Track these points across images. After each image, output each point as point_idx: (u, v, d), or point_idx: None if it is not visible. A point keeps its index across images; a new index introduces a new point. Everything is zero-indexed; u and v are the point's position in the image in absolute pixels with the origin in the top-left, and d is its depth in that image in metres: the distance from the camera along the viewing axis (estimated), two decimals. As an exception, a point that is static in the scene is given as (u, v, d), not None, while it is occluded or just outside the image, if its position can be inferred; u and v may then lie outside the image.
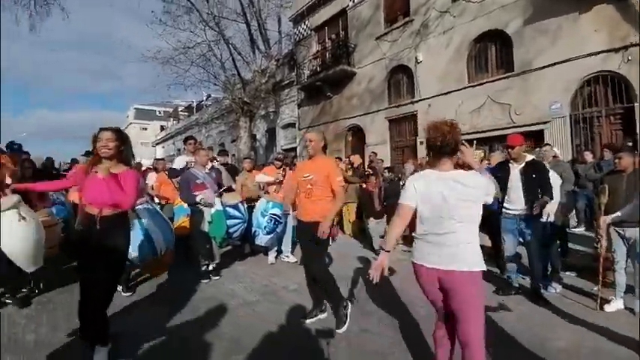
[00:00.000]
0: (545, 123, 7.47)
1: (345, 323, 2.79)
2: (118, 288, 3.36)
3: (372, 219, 6.07)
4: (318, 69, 13.01)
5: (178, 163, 5.49)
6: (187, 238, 4.37)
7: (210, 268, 4.23)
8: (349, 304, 2.92)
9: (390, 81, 10.87)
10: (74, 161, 5.76)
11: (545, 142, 6.11)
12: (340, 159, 8.69)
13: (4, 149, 4.48)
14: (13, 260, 2.87)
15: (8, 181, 3.30)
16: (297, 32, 14.21)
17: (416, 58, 9.80)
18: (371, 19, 11.27)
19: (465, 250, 1.75)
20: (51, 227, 3.51)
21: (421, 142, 9.40)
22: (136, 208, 3.58)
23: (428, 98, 9.58)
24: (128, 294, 3.61)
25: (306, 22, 13.75)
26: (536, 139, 7.31)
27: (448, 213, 1.74)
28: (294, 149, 15.10)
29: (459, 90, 8.95)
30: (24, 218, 2.79)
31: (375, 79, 11.14)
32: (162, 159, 6.37)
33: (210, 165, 5.07)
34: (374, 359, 2.37)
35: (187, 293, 3.64)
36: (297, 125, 14.87)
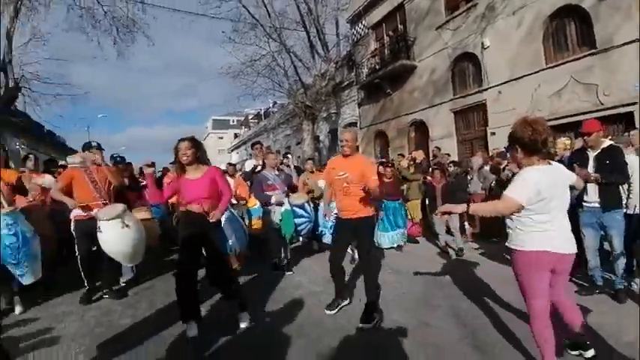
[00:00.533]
0: (634, 104, 6.49)
1: (371, 322, 2.83)
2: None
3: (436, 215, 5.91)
4: (377, 67, 12.96)
5: (248, 166, 6.06)
6: (261, 236, 4.83)
7: (282, 262, 4.58)
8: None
9: (453, 70, 10.37)
10: (166, 169, 6.66)
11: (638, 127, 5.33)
12: (403, 155, 8.58)
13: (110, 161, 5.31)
14: (114, 258, 3.47)
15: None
16: (355, 32, 14.30)
17: (482, 43, 9.21)
18: (430, 10, 10.90)
19: (571, 234, 1.99)
20: (151, 222, 4.18)
21: (492, 133, 8.81)
22: None
23: (497, 85, 8.93)
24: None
25: (363, 22, 13.78)
26: (626, 122, 6.39)
27: (561, 203, 1.94)
28: (357, 148, 15.21)
29: (534, 73, 8.18)
30: (127, 226, 3.31)
31: (438, 70, 10.73)
32: (233, 164, 7.01)
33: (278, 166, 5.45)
34: (434, 352, 2.42)
35: (261, 285, 4.02)
36: (358, 124, 14.96)
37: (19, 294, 3.47)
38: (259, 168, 5.14)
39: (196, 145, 2.84)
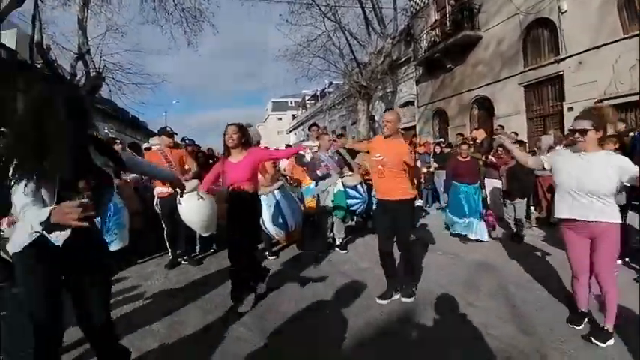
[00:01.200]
0: None
1: (412, 295, 2.98)
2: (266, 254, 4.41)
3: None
4: (437, 40, 12.21)
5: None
6: (315, 215, 5.07)
7: (338, 241, 4.74)
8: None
9: (525, 40, 9.38)
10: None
11: None
12: (462, 135, 8.13)
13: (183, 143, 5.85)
14: (192, 228, 3.95)
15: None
16: (414, 4, 13.54)
17: (559, 7, 8.17)
18: (499, -29, 9.88)
19: None
20: (221, 203, 4.65)
21: (570, 109, 7.91)
22: (273, 192, 4.35)
23: (577, 54, 7.90)
24: (272, 258, 4.48)
25: (424, -9, 12.97)
26: None
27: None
28: (412, 128, 14.73)
29: (614, 42, 7.14)
30: (202, 198, 3.77)
31: (506, 40, 9.80)
32: (288, 145, 7.31)
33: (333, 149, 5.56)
34: (475, 331, 2.44)
35: (315, 260, 4.27)
36: (415, 103, 14.40)
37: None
38: (315, 149, 5.30)
39: (242, 130, 3.02)
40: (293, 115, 40.58)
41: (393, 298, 2.99)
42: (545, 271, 3.53)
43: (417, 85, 14.25)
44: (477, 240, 4.83)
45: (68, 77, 11.80)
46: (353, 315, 2.75)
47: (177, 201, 3.68)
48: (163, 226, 4.24)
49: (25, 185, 1.35)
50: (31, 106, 1.46)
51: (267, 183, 4.27)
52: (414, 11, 13.48)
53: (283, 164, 6.43)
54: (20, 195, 1.36)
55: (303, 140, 7.24)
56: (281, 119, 47.07)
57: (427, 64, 13.07)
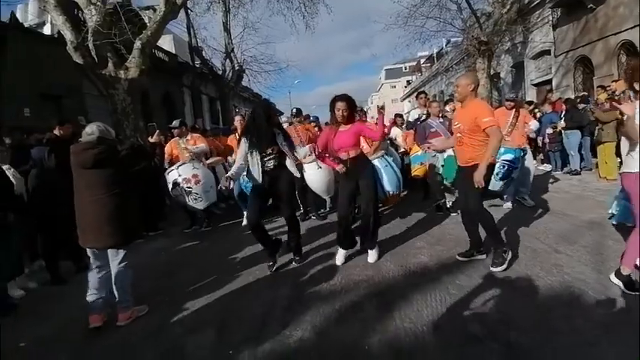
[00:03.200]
0: None
1: (501, 264, 2.81)
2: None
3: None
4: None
5: (412, 116, 6.54)
6: (426, 180, 5.22)
7: (448, 204, 4.85)
8: (509, 250, 2.92)
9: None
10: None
11: None
12: (604, 88, 7.02)
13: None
14: (315, 191, 4.80)
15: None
16: None
17: None
18: None
19: None
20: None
21: None
22: (373, 159, 4.80)
23: None
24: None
25: None
26: None
27: None
28: (549, 82, 12.81)
29: None
30: (320, 167, 4.69)
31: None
32: (400, 115, 7.57)
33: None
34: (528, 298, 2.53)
35: (422, 224, 4.42)
36: (552, 51, 12.40)
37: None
38: (424, 117, 5.58)
39: (350, 102, 3.25)
40: (408, 81, 39.06)
41: (472, 258, 3.08)
42: None
43: (553, 30, 12.18)
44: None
45: (220, 72, 14.68)
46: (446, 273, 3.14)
47: (303, 169, 4.71)
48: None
49: (251, 154, 3.11)
50: (251, 114, 3.31)
51: (371, 151, 4.58)
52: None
53: (394, 134, 6.73)
54: (250, 158, 3.16)
55: (415, 108, 7.38)
56: (395, 87, 45.89)
57: (566, 5, 11.04)
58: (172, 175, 4.74)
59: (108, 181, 2.51)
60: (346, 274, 3.09)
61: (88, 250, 2.59)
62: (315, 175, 4.68)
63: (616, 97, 5.78)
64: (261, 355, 2.06)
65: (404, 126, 6.56)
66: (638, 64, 2.32)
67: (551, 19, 12.19)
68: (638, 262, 2.39)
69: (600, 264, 2.80)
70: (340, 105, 3.18)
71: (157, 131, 5.78)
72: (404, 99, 36.76)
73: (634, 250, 2.33)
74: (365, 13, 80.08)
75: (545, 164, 7.84)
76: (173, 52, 14.89)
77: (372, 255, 3.35)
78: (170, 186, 4.77)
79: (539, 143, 7.65)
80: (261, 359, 2.03)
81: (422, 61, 29.77)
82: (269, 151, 3.16)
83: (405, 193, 5.47)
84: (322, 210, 5.46)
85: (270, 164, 3.19)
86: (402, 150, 5.95)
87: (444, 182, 4.83)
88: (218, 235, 4.99)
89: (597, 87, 7.76)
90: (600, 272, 2.64)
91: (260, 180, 3.16)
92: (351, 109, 3.24)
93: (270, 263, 3.35)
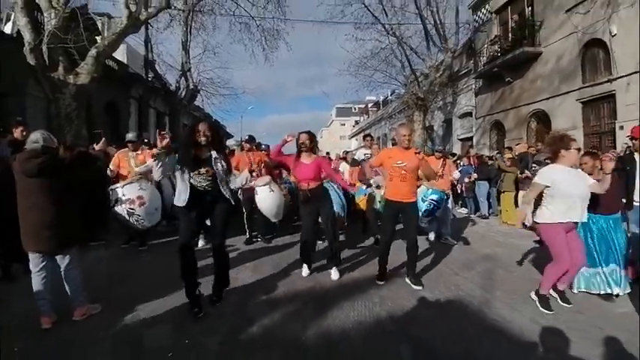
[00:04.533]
0: None
1: (420, 284, 3.47)
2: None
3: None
4: (498, 54, 12.49)
5: (359, 154, 7.33)
6: (364, 214, 5.81)
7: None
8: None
9: (584, 57, 9.46)
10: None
11: None
12: (510, 149, 8.57)
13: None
14: (264, 214, 5.11)
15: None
16: (477, 18, 13.92)
17: (610, 31, 8.28)
18: (561, -10, 10.04)
19: None
20: (286, 196, 5.92)
21: (621, 127, 7.98)
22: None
23: (627, 75, 7.98)
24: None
25: (487, 6, 13.32)
26: None
27: None
28: (470, 139, 14.98)
29: None
30: (272, 191, 5.09)
31: (565, 56, 9.92)
32: (347, 152, 8.43)
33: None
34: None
35: (359, 254, 4.82)
36: (473, 114, 14.67)
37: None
38: (368, 156, 6.38)
39: (312, 137, 3.71)
40: (356, 121, 41.83)
41: (406, 279, 3.59)
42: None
43: (475, 97, 14.53)
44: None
45: (173, 89, 14.68)
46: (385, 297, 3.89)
47: (255, 192, 5.10)
48: (243, 210, 5.36)
49: (182, 171, 2.82)
50: (186, 130, 3.06)
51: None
52: (476, 25, 13.85)
53: (342, 168, 7.34)
54: (179, 175, 2.85)
55: (359, 148, 8.27)
56: (344, 125, 48.69)
57: (487, 77, 13.37)
58: (116, 194, 4.48)
59: (49, 189, 2.59)
60: (291, 285, 3.55)
61: (29, 254, 2.65)
62: (267, 199, 5.01)
63: (515, 158, 7.22)
64: (216, 346, 2.39)
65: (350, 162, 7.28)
66: (560, 136, 3.03)
67: (474, 87, 14.53)
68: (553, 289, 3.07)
69: (488, 285, 3.62)
70: (303, 136, 3.68)
71: (103, 139, 5.45)
72: (351, 137, 39.08)
73: (548, 278, 3.01)
74: (321, 57, 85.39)
75: (462, 207, 9.17)
76: (125, 61, 14.59)
77: (334, 273, 3.73)
78: (112, 202, 4.52)
79: (459, 190, 8.99)
80: (216, 350, 2.36)
81: (370, 105, 32.39)
82: (202, 170, 2.88)
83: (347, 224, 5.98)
84: (269, 235, 5.60)
85: (204, 184, 2.90)
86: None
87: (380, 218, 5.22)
88: (160, 249, 4.97)
89: (505, 147, 9.45)
90: (486, 291, 3.43)
91: (187, 197, 2.84)
92: (312, 142, 3.69)
93: (196, 310, 2.81)
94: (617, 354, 2.32)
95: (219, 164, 2.92)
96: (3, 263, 3.56)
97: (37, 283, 2.62)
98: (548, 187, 2.92)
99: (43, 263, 2.64)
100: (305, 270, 3.84)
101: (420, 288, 3.43)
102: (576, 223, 3.00)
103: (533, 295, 3.12)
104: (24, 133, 4.13)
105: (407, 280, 3.60)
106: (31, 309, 2.71)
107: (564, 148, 2.90)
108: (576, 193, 2.86)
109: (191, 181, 2.86)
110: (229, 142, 18.74)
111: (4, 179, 3.37)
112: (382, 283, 3.57)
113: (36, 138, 2.63)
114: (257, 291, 3.41)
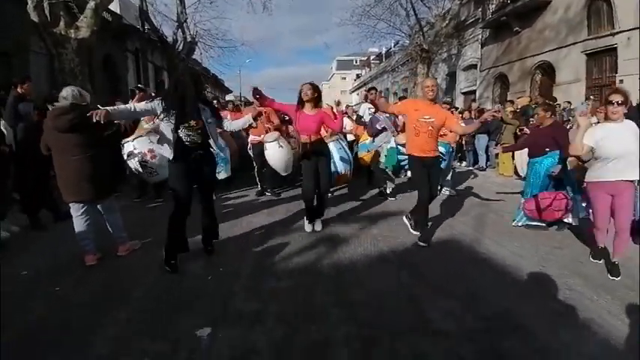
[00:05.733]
0: None
1: (424, 237, 3.46)
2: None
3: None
4: (507, 1, 12.03)
5: (362, 109, 7.39)
6: (368, 167, 5.97)
7: (388, 191, 5.50)
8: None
9: (589, 8, 9.20)
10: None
11: None
12: (512, 102, 8.67)
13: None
14: (274, 168, 5.23)
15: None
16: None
17: (612, -17, 8.00)
18: None
19: None
20: (295, 150, 6.08)
21: (620, 81, 8.03)
22: (329, 142, 5.54)
23: (628, 30, 7.90)
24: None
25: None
26: None
27: None
28: (473, 92, 14.89)
29: None
30: (281, 146, 5.23)
31: (573, 6, 9.63)
32: (352, 106, 8.47)
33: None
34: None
35: (365, 203, 5.21)
36: (478, 66, 14.44)
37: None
38: (373, 110, 6.43)
39: (316, 89, 3.58)
40: (357, 75, 40.69)
41: (413, 232, 3.59)
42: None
43: (482, 48, 14.19)
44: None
45: (170, 43, 14.29)
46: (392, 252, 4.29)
47: (265, 147, 5.31)
48: (254, 165, 5.62)
49: (168, 120, 2.66)
50: (174, 80, 3.02)
51: (327, 135, 5.09)
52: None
53: (345, 123, 7.47)
54: (165, 125, 2.71)
55: (362, 102, 8.31)
56: (345, 78, 47.39)
57: (494, 27, 12.98)
58: (128, 147, 4.62)
59: (83, 144, 2.74)
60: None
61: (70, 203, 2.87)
62: (276, 154, 5.09)
63: (517, 111, 7.40)
64: (248, 270, 2.82)
65: (354, 117, 7.42)
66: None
67: (480, 37, 14.14)
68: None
69: (479, 227, 4.06)
70: (306, 87, 3.55)
71: (139, 94, 5.35)
72: (353, 91, 38.29)
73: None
74: (322, 5, 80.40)
75: (462, 162, 9.48)
76: (118, 12, 14.03)
77: (318, 223, 3.87)
78: (125, 156, 4.69)
79: (463, 142, 9.22)
80: (247, 273, 2.80)
81: (372, 57, 31.36)
82: (192, 123, 2.75)
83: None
84: (277, 188, 5.81)
85: (194, 138, 2.77)
86: (352, 139, 6.76)
87: (386, 171, 5.44)
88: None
89: (507, 100, 9.54)
90: (478, 232, 3.86)
91: (179, 154, 2.76)
92: (316, 92, 3.55)
93: (168, 268, 2.81)
94: (594, 282, 2.68)
95: (209, 118, 2.85)
96: (31, 214, 3.82)
97: (79, 225, 2.88)
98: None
99: (84, 208, 2.90)
100: (308, 226, 3.84)
101: (417, 233, 3.52)
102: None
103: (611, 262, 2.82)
104: (23, 90, 4.10)
105: (404, 219, 3.73)
106: (68, 253, 3.01)
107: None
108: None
109: (180, 134, 2.75)
110: (228, 97, 18.54)
111: (31, 136, 3.55)
112: (425, 244, 3.39)
113: (66, 94, 2.74)
114: (274, 230, 3.86)
